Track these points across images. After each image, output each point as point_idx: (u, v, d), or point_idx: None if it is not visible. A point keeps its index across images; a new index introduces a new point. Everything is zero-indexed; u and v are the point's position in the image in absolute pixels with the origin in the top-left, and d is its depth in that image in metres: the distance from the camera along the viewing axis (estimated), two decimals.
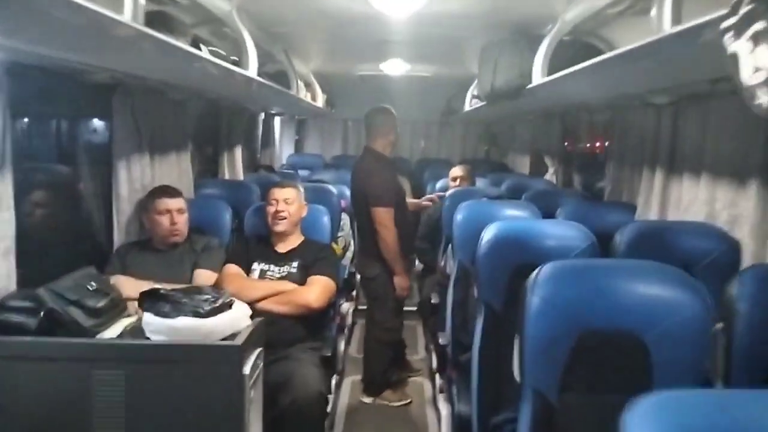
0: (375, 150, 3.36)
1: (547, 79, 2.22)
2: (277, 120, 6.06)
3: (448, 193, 3.71)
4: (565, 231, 2.18)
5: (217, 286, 2.57)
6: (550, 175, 4.63)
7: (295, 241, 2.78)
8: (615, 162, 3.21)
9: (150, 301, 1.78)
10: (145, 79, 2.34)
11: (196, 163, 4.26)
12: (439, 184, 4.52)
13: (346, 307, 3.63)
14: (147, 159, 2.88)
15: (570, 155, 4.70)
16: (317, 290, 2.53)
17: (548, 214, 2.97)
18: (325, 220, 3.01)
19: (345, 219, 4.16)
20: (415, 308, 4.27)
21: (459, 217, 2.89)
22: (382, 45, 3.40)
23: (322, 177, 5.02)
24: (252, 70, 2.37)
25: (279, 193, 2.72)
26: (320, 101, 4.73)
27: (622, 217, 2.85)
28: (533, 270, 2.16)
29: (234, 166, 4.37)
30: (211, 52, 2.09)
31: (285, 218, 2.70)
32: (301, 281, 2.59)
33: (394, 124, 3.39)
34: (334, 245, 3.51)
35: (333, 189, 3.75)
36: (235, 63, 2.31)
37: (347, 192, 4.49)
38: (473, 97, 4.10)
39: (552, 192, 3.83)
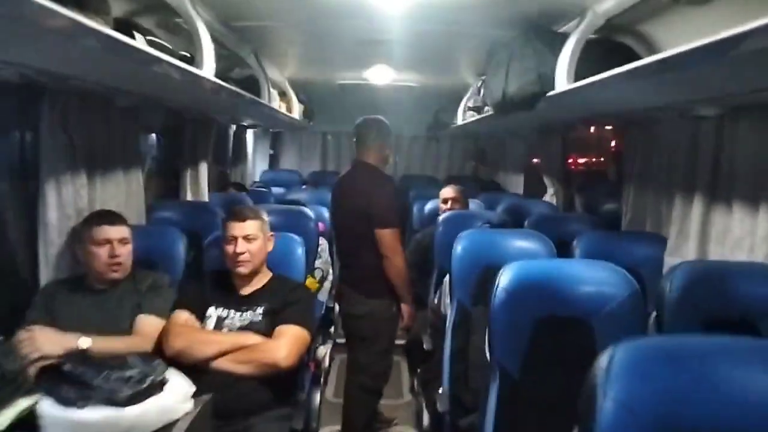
0: (369, 164, 2.92)
1: (574, 85, 1.78)
2: (249, 133, 5.57)
3: (440, 218, 3.25)
4: (600, 274, 1.76)
5: (163, 337, 2.09)
6: (549, 196, 4.21)
7: (261, 280, 2.28)
8: (635, 184, 2.78)
9: (49, 381, 1.28)
10: (72, 79, 1.85)
11: (155, 182, 3.79)
12: (429, 206, 4.05)
13: (323, 351, 3.13)
14: (83, 178, 2.39)
15: (570, 173, 4.28)
16: (287, 345, 2.04)
17: (561, 246, 2.54)
18: (299, 252, 2.52)
19: (323, 244, 3.68)
20: (402, 342, 3.78)
21: (458, 249, 2.45)
22: (368, 47, 2.95)
23: (299, 196, 4.54)
24: (208, 70, 1.89)
25: (238, 229, 2.22)
26: (297, 112, 4.25)
27: (650, 251, 2.44)
28: (561, 324, 1.73)
29: (198, 184, 3.86)
30: (150, 43, 1.62)
31: (247, 261, 2.21)
32: (268, 331, 2.10)
33: (388, 138, 2.97)
34: (309, 279, 3.04)
35: (310, 212, 3.27)
36: (186, 60, 1.84)
37: (326, 213, 4.04)
38: (468, 108, 3.67)
39: (559, 218, 3.39)
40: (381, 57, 3.39)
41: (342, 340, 3.27)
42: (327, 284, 3.72)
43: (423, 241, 3.67)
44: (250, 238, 2.22)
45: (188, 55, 1.81)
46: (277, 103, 3.58)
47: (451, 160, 6.56)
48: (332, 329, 3.75)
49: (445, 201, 3.72)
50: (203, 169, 3.87)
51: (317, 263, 3.49)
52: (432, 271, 3.36)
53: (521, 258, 2.21)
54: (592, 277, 1.72)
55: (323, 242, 3.69)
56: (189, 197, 3.82)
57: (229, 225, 2.24)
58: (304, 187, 5.52)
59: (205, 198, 3.86)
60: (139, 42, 1.48)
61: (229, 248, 2.22)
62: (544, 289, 1.70)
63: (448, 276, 2.74)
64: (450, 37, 2.56)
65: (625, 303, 1.68)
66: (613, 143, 4.10)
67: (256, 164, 6.07)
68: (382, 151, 2.94)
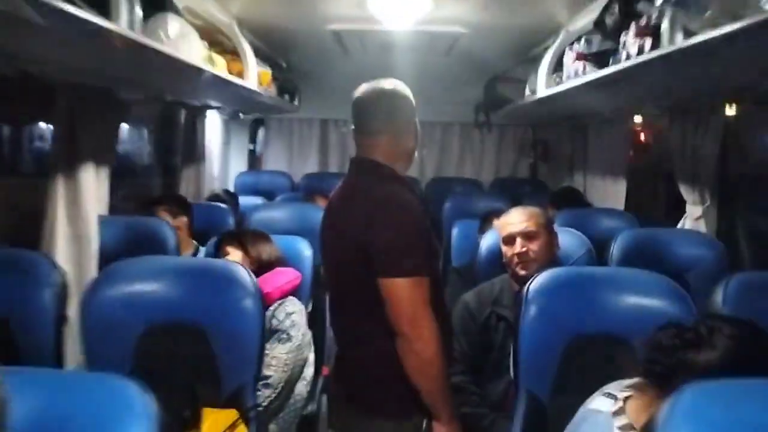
0: (377, 163, 1.59)
1: None
2: (215, 118, 3.91)
3: (529, 287, 1.52)
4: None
5: None
6: (692, 220, 2.44)
7: None
8: None
9: None
10: None
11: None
12: (488, 241, 2.25)
13: None
14: None
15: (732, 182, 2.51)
16: None
17: None
18: None
19: (295, 312, 1.98)
20: None
21: None
22: None
23: (271, 215, 2.84)
24: None
25: None
26: (253, 78, 2.51)
27: None
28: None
29: (79, 205, 2.18)
30: None
31: None
32: None
33: (412, 115, 1.62)
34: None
35: (246, 275, 1.60)
36: None
37: (306, 251, 2.35)
38: (578, 57, 1.90)
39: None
40: None
41: None
42: (303, 387, 2.02)
43: (479, 315, 1.93)
44: None
45: None
46: (188, 45, 1.84)
47: (498, 155, 4.77)
48: None
49: (510, 239, 1.95)
50: (90, 177, 2.18)
51: (273, 366, 1.80)
52: (502, 377, 1.67)
53: None
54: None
55: (294, 308, 2.00)
56: (61, 228, 2.15)
57: None
58: (280, 198, 3.86)
59: (91, 229, 2.17)
60: None
61: None
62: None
63: None
64: None
65: None
66: None
67: (230, 164, 4.41)
68: (401, 142, 1.60)
